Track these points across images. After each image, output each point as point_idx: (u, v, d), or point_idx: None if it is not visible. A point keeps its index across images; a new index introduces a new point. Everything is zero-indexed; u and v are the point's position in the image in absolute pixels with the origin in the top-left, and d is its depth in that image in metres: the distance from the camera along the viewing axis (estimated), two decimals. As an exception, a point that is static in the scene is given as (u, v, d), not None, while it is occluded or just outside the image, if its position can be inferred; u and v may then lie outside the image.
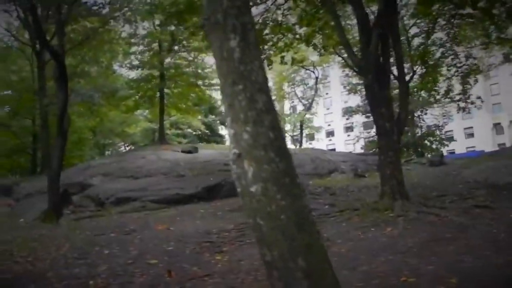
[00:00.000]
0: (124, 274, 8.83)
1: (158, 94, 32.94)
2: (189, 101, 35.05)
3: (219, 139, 58.93)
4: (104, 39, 31.25)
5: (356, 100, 41.09)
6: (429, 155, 31.88)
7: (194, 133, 54.33)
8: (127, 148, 56.99)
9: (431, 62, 23.01)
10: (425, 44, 22.21)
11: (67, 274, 8.93)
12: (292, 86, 47.34)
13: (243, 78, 3.45)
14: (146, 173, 21.41)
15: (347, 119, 64.27)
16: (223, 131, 66.46)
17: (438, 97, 29.30)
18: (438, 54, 23.68)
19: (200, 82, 33.36)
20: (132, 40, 32.46)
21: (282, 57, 23.93)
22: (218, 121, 61.37)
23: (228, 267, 9.05)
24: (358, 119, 45.01)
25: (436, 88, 25.98)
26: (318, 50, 22.24)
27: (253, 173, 3.37)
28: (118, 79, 37.85)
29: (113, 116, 40.35)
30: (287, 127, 48.59)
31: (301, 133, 44.93)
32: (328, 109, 72.74)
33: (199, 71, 32.74)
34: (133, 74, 35.94)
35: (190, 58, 32.73)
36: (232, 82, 3.47)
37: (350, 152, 40.51)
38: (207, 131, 55.52)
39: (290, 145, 48.68)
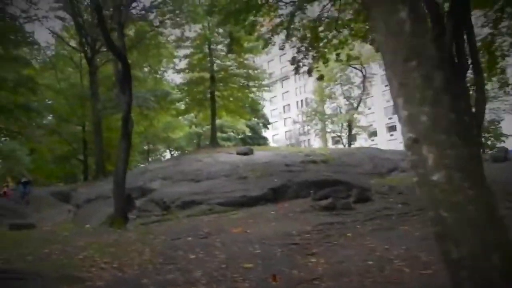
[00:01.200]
0: (224, 279, 8.26)
1: (208, 96, 32.39)
2: (240, 103, 34.47)
3: (263, 141, 58.46)
4: (151, 43, 31.11)
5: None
6: (489, 152, 30.46)
7: (238, 136, 53.98)
8: (171, 154, 57.20)
9: (497, 53, 21.86)
10: (492, 33, 21.09)
11: (163, 280, 8.41)
12: (338, 85, 46.32)
13: (416, 53, 2.93)
14: (207, 176, 20.90)
15: (389, 118, 62.92)
16: (266, 133, 66.26)
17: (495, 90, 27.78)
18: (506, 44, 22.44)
19: (251, 84, 32.68)
20: (181, 44, 32.17)
21: (338, 54, 23.18)
22: (261, 124, 61.13)
23: (333, 270, 8.40)
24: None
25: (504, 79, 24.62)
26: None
27: (434, 159, 2.82)
28: (164, 83, 37.76)
29: (158, 121, 40.36)
30: (333, 127, 47.62)
31: (350, 132, 43.94)
32: (369, 108, 71.00)
33: (251, 72, 32.08)
34: (177, 78, 35.92)
35: (240, 60, 32.12)
36: (404, 58, 2.93)
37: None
38: (250, 134, 55.11)
39: (333, 145, 47.80)
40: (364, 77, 43.17)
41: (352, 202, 15.45)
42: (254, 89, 33.50)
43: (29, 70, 34.77)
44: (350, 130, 43.91)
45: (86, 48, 30.16)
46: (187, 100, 33.53)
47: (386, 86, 41.94)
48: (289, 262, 9.35)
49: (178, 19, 29.04)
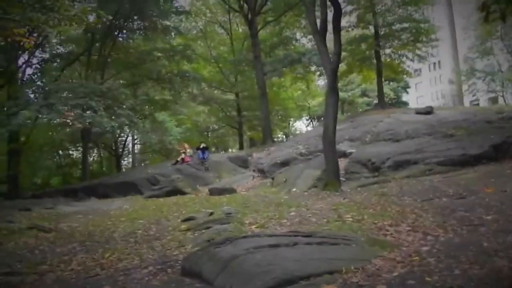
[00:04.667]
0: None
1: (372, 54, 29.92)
2: (403, 62, 31.64)
3: (403, 106, 54.81)
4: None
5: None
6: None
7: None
8: (310, 122, 55.60)
9: None
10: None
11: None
12: (497, 39, 41.31)
13: None
14: (404, 135, 18.89)
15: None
16: (405, 97, 62.24)
17: None
18: None
19: (423, 39, 29.53)
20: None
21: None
22: (400, 87, 57.47)
23: None
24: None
25: None
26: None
27: None
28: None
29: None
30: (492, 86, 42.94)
31: None
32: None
33: (421, 25, 28.95)
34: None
35: (406, 14, 29.14)
36: None
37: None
38: (394, 98, 51.73)
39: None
40: (532, 27, 38.00)
41: None
42: (420, 44, 30.32)
43: (180, 39, 34.52)
44: (517, 87, 39.28)
45: (246, 12, 28.99)
46: (350, 59, 31.23)
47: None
48: None
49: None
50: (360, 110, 45.95)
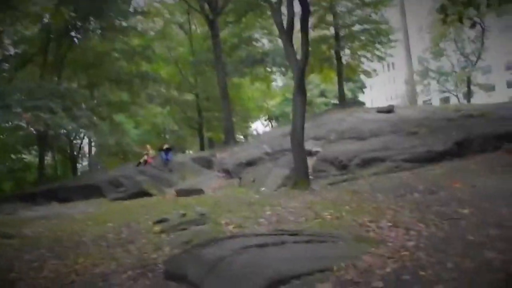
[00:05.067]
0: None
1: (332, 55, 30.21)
2: (362, 63, 32.09)
3: (361, 105, 55.79)
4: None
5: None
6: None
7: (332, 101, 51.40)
8: (268, 123, 55.72)
9: None
10: None
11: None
12: (449, 40, 42.54)
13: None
14: (369, 134, 19.07)
15: (511, 73, 57.70)
16: (361, 97, 63.13)
17: None
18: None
19: (381, 40, 29.99)
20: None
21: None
22: (356, 88, 58.40)
23: None
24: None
25: None
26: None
27: None
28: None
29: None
30: (446, 86, 44.07)
31: (469, 90, 40.41)
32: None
33: (382, 26, 29.42)
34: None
35: (366, 15, 29.57)
36: None
37: None
38: (352, 98, 52.49)
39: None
40: (483, 29, 39.32)
41: None
42: (378, 45, 30.80)
43: (138, 40, 33.85)
44: (469, 87, 40.42)
45: (206, 13, 28.66)
46: (310, 60, 31.31)
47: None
48: None
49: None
50: (318, 110, 46.35)
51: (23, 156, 41.16)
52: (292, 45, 15.84)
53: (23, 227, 12.73)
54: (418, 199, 10.35)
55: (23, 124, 31.33)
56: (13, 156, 40.22)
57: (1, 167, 39.79)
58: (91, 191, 20.00)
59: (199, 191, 16.14)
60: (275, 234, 6.95)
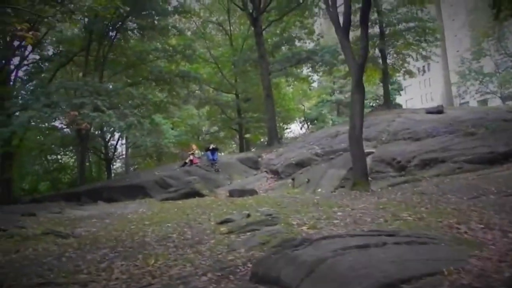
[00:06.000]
0: None
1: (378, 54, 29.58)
2: (407, 62, 31.30)
3: (398, 107, 54.60)
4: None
5: None
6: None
7: (376, 102, 50.42)
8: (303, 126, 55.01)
9: None
10: None
11: None
12: (494, 40, 41.35)
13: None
14: (424, 134, 18.48)
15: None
16: (398, 100, 61.84)
17: None
18: None
19: (427, 38, 29.19)
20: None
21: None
22: (393, 90, 57.21)
23: None
24: None
25: None
26: None
27: None
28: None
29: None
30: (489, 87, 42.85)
31: (516, 90, 39.32)
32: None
33: (428, 24, 28.63)
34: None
35: (412, 12, 28.82)
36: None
37: None
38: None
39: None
40: (530, 28, 38.17)
41: None
42: (424, 44, 30.02)
43: (175, 40, 33.72)
44: (517, 88, 39.25)
45: (251, 10, 28.38)
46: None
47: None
48: None
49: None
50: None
51: (58, 157, 41.86)
52: (348, 41, 15.42)
53: (76, 226, 12.63)
54: (497, 201, 9.82)
55: (59, 125, 31.85)
56: (48, 156, 40.93)
57: (37, 167, 40.47)
58: (136, 191, 19.96)
59: (253, 192, 15.82)
60: (372, 235, 6.49)
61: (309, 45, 34.91)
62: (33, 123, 23.21)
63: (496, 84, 42.01)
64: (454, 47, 60.58)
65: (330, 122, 48.46)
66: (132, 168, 46.90)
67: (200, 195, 16.91)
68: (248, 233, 8.98)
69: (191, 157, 22.74)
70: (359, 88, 14.69)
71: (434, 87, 71.81)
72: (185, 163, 22.61)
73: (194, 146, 24.73)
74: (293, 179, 17.31)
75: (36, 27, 20.64)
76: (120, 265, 7.72)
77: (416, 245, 6.09)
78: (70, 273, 7.43)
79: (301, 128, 57.21)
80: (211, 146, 22.50)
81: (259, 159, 22.67)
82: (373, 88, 43.75)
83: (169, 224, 11.23)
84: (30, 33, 12.59)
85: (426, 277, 4.87)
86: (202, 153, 23.75)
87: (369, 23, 27.76)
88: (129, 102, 24.28)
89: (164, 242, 9.30)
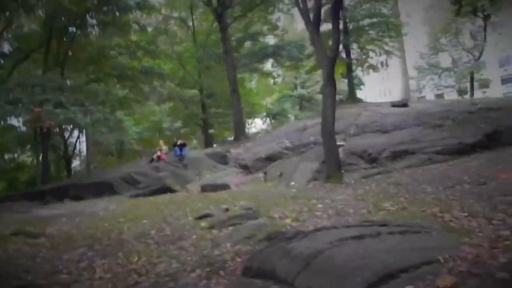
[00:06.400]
0: None
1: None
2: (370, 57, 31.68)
3: (360, 101, 55.30)
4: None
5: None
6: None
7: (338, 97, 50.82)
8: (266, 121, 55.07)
9: None
10: None
11: None
12: (451, 36, 42.39)
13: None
14: (392, 127, 18.68)
15: (505, 70, 57.98)
16: (359, 94, 62.64)
17: None
18: None
19: (390, 34, 29.58)
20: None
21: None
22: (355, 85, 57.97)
23: None
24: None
25: None
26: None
27: None
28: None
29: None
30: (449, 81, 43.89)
31: (472, 84, 40.13)
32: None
33: (392, 20, 29.01)
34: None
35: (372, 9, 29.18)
36: None
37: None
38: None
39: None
40: (485, 25, 39.19)
41: None
42: (387, 39, 30.46)
43: (140, 36, 33.12)
44: (472, 83, 40.20)
45: (215, 6, 28.08)
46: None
47: (499, 34, 37.81)
48: None
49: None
50: (319, 107, 45.82)
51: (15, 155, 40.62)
52: (319, 35, 15.43)
53: (45, 226, 12.23)
54: (473, 190, 9.93)
55: (16, 124, 30.84)
56: (6, 156, 39.65)
57: (-7, 167, 39.17)
58: (103, 188, 19.54)
59: (226, 186, 15.68)
60: (365, 226, 6.47)
61: (271, 40, 34.95)
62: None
63: (454, 78, 43.07)
64: (411, 43, 61.69)
65: (292, 117, 48.63)
66: (92, 166, 45.85)
67: (171, 190, 16.68)
68: (230, 228, 8.86)
69: (159, 153, 22.40)
70: (330, 82, 14.73)
71: (393, 81, 73.04)
72: (153, 159, 22.25)
73: (161, 142, 24.33)
74: (265, 173, 17.25)
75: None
76: (101, 264, 7.50)
77: (410, 235, 6.08)
78: (48, 274, 7.18)
79: (263, 123, 57.27)
80: (179, 142, 22.22)
81: (227, 154, 22.49)
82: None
83: (145, 221, 11.03)
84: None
85: (424, 265, 4.85)
86: (165, 148, 23.27)
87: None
88: (94, 98, 23.58)
89: (143, 239, 9.10)
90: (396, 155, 15.48)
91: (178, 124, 42.67)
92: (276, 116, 52.15)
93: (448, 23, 40.63)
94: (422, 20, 55.50)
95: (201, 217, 10.22)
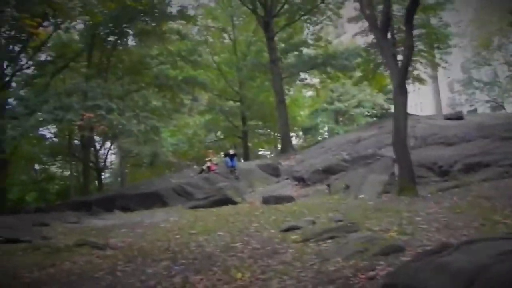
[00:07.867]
0: None
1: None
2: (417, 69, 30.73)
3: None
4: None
5: None
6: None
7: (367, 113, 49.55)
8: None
9: None
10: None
11: None
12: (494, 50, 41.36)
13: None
14: (457, 139, 17.95)
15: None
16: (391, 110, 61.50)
17: None
18: None
19: (439, 45, 28.70)
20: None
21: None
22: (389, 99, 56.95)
23: None
24: None
25: None
26: None
27: None
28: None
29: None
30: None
31: (516, 99, 39.11)
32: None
33: (442, 30, 28.15)
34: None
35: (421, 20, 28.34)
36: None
37: None
38: (388, 108, 51.00)
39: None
40: (532, 37, 38.22)
41: None
42: (436, 51, 29.63)
43: (181, 45, 32.82)
44: (516, 97, 39.18)
45: (263, 15, 27.72)
46: (366, 66, 30.02)
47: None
48: None
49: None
50: (357, 122, 45.07)
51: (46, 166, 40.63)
52: (387, 41, 14.88)
53: (106, 237, 11.69)
54: None
55: (48, 134, 30.76)
56: (37, 166, 39.69)
57: (25, 178, 39.15)
58: (153, 200, 19.13)
59: (289, 199, 15.12)
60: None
61: (313, 51, 34.32)
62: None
63: (498, 93, 41.99)
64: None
65: (326, 132, 47.83)
66: (118, 179, 45.52)
67: (232, 202, 16.12)
68: (329, 241, 8.27)
69: (208, 163, 21.85)
70: (402, 90, 14.14)
71: (425, 96, 71.95)
72: (202, 170, 21.75)
73: (211, 152, 23.87)
74: (328, 185, 16.61)
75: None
76: (199, 279, 6.89)
77: None
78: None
79: (295, 137, 56.38)
80: (230, 152, 21.67)
81: (279, 165, 21.88)
82: (367, 97, 43.46)
83: (221, 233, 10.42)
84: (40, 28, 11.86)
85: None
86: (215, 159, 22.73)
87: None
88: (145, 106, 23.32)
89: (232, 252, 8.48)
90: (469, 168, 14.78)
91: (213, 136, 42.17)
92: (309, 130, 51.13)
93: (489, 36, 39.80)
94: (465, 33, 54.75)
95: (287, 230, 9.64)
